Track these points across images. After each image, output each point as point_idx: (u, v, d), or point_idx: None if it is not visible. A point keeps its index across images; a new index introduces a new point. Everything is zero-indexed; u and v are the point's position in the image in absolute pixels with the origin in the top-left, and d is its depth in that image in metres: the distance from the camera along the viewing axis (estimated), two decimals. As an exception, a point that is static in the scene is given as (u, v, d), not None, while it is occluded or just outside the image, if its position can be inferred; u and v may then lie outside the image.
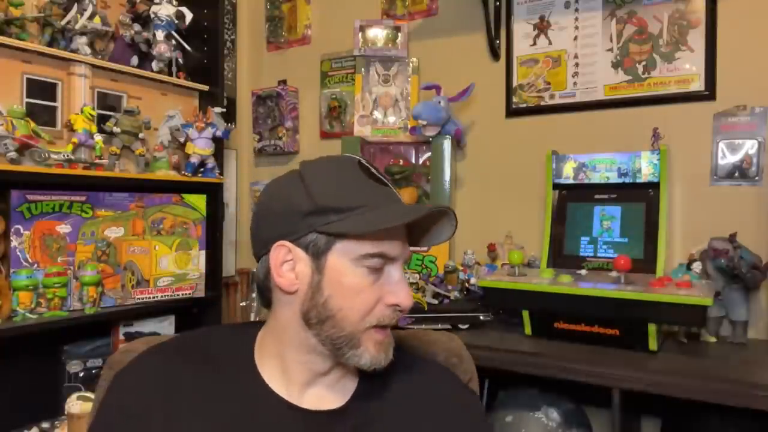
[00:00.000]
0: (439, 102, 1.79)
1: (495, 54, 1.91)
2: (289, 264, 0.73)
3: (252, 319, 2.06)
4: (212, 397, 0.72)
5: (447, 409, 0.80)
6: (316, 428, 0.73)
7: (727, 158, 1.57)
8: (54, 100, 1.57)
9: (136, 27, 1.81)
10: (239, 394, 0.74)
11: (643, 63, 1.68)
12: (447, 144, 1.80)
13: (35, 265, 1.50)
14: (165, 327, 1.84)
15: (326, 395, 0.77)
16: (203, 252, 1.83)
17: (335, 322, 0.71)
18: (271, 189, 0.78)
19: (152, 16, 1.81)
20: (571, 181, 1.63)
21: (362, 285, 0.71)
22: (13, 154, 1.39)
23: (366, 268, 0.71)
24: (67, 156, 1.51)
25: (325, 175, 0.74)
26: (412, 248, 0.78)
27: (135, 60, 1.84)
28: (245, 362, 0.77)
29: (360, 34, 1.98)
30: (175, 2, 1.84)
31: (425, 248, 1.61)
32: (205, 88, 1.95)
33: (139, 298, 1.68)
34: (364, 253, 0.71)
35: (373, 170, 0.76)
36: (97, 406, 0.78)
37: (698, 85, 1.61)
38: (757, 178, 1.53)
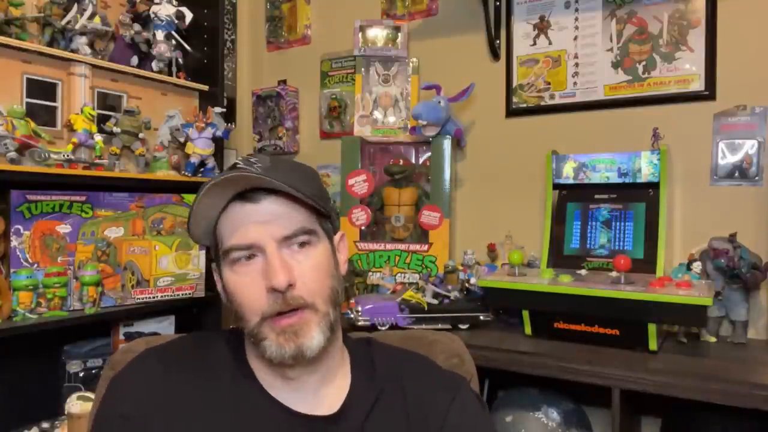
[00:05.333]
0: (439, 102, 1.79)
1: (495, 54, 1.91)
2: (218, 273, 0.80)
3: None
4: (213, 404, 0.72)
5: (437, 396, 0.80)
6: None
7: (727, 158, 1.57)
8: (54, 100, 1.57)
9: (136, 27, 1.81)
10: (239, 400, 0.74)
11: (643, 63, 1.68)
12: (447, 144, 1.80)
13: (35, 265, 1.50)
14: (165, 327, 1.84)
15: (313, 400, 0.76)
16: (203, 252, 1.83)
17: (241, 320, 0.74)
18: None
19: (152, 16, 1.81)
20: (571, 181, 1.63)
21: (240, 281, 0.73)
22: (13, 154, 1.39)
23: (235, 264, 0.73)
24: (67, 156, 1.51)
25: None
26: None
27: (135, 60, 1.84)
28: (242, 367, 0.77)
29: (360, 34, 1.98)
30: (175, 2, 1.84)
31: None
32: (205, 88, 1.95)
33: (139, 298, 1.68)
34: (221, 253, 0.74)
35: (238, 159, 0.75)
36: (95, 412, 0.78)
37: (698, 85, 1.60)
38: (757, 178, 1.53)
